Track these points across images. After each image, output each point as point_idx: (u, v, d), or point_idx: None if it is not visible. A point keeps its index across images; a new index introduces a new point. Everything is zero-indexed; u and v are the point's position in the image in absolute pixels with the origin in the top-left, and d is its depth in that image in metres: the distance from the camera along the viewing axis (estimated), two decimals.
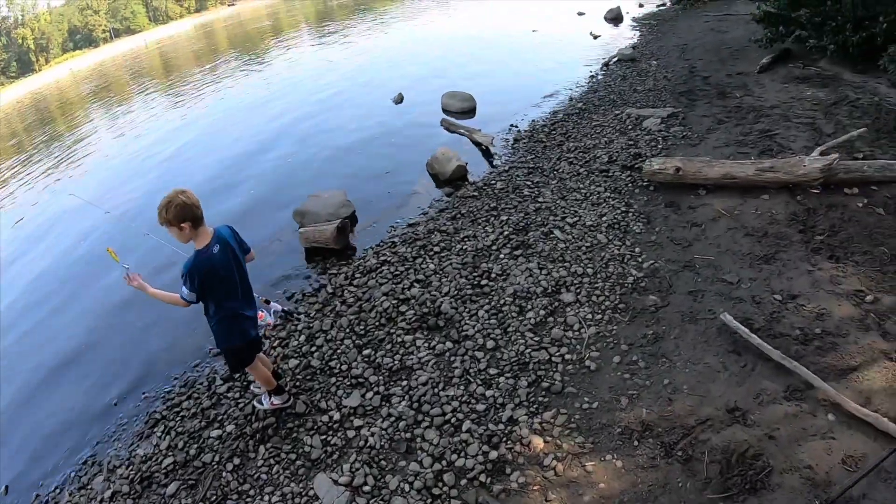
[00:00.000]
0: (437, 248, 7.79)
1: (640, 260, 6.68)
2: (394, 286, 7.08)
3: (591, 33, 22.41)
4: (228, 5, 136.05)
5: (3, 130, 37.58)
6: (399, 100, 16.59)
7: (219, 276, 4.55)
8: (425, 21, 38.20)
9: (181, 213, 4.27)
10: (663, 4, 28.36)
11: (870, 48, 11.35)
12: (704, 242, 6.74)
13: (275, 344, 6.53)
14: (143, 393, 6.65)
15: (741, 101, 11.09)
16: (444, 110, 14.80)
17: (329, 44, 34.26)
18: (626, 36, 21.51)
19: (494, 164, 10.67)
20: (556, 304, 6.19)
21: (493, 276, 6.90)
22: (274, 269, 8.47)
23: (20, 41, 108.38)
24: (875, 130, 8.64)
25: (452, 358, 5.74)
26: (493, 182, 9.59)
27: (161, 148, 17.37)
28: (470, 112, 14.58)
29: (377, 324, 6.51)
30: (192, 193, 4.36)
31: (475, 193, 9.33)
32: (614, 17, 25.51)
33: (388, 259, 7.79)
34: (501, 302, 6.38)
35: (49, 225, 13.36)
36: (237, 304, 4.80)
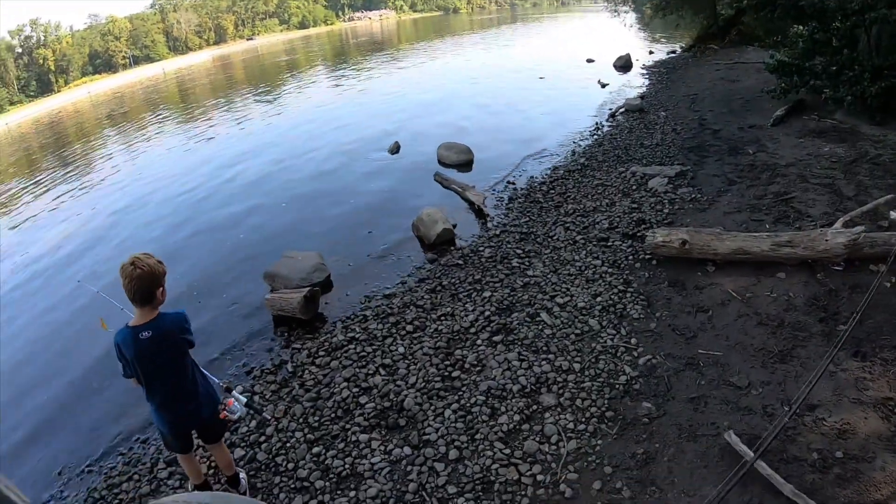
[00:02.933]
0: (410, 328, 6.90)
1: (635, 354, 5.73)
2: (357, 371, 6.20)
3: (599, 81, 21.97)
4: (247, 39, 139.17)
5: (17, 150, 38.01)
6: (395, 149, 15.90)
7: (141, 365, 3.84)
8: (434, 64, 38.40)
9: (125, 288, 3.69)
10: (674, 52, 28.09)
11: (889, 99, 10.69)
12: (711, 333, 5.82)
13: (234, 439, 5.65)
14: (88, 467, 5.84)
15: (754, 159, 10.31)
16: (440, 162, 14.12)
17: (339, 83, 34.57)
18: (634, 84, 21.02)
19: (486, 226, 9.85)
20: (534, 407, 5.24)
21: (466, 366, 5.99)
22: (236, 336, 7.69)
23: (41, 61, 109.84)
24: None
25: (409, 467, 4.81)
26: (481, 249, 8.76)
27: (166, 183, 16.86)
28: (466, 165, 13.86)
29: (333, 416, 5.63)
30: (140, 267, 3.66)
31: (460, 262, 8.49)
32: (623, 65, 25.18)
33: (357, 336, 6.91)
34: (472, 400, 5.44)
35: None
36: (161, 398, 4.08)
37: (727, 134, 12.27)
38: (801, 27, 12.85)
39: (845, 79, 11.37)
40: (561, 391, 5.38)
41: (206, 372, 4.43)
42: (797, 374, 5.00)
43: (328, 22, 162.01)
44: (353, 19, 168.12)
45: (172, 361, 3.98)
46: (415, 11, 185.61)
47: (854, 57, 11.51)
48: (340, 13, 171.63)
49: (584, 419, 5.02)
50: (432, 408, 5.47)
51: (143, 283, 3.65)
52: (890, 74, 10.61)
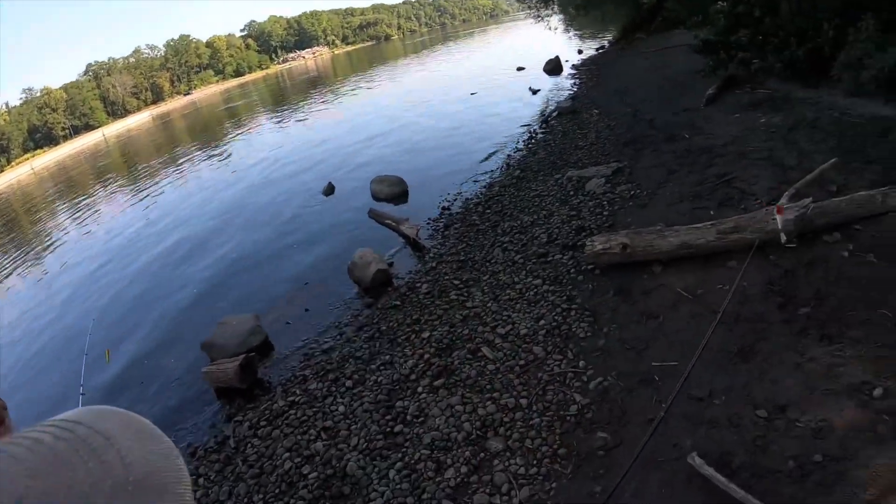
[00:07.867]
0: (349, 383, 6.34)
1: (585, 378, 5.17)
2: (298, 438, 5.68)
3: (530, 88, 21.82)
4: (184, 94, 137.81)
5: None
6: (329, 190, 15.35)
7: None
8: (368, 95, 38.98)
9: None
10: (602, 48, 28.09)
11: (818, 60, 10.33)
12: (664, 341, 5.28)
13: None
14: None
15: (690, 143, 9.94)
16: (374, 197, 13.59)
17: (277, 127, 34.84)
18: (565, 86, 20.91)
19: (423, 259, 9.32)
20: (482, 455, 4.69)
21: (409, 418, 5.44)
22: (177, 415, 7.24)
23: None
24: (843, 152, 7.29)
25: None
26: (419, 285, 8.21)
27: (102, 253, 16.56)
28: (401, 196, 13.38)
29: (277, 491, 5.11)
30: None
31: (398, 302, 7.93)
32: (553, 69, 25.12)
33: (297, 399, 6.38)
34: (417, 456, 4.89)
35: None
36: None
37: (661, 122, 11.92)
38: (721, 3, 12.63)
39: (771, 46, 11.10)
40: (509, 433, 4.83)
41: None
42: (761, 372, 4.47)
43: (263, 66, 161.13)
44: (288, 60, 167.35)
45: None
46: (347, 44, 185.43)
47: (777, 23, 11.23)
48: (274, 56, 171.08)
49: (535, 461, 4.48)
50: (376, 469, 4.97)
51: None
52: (815, 35, 10.32)
